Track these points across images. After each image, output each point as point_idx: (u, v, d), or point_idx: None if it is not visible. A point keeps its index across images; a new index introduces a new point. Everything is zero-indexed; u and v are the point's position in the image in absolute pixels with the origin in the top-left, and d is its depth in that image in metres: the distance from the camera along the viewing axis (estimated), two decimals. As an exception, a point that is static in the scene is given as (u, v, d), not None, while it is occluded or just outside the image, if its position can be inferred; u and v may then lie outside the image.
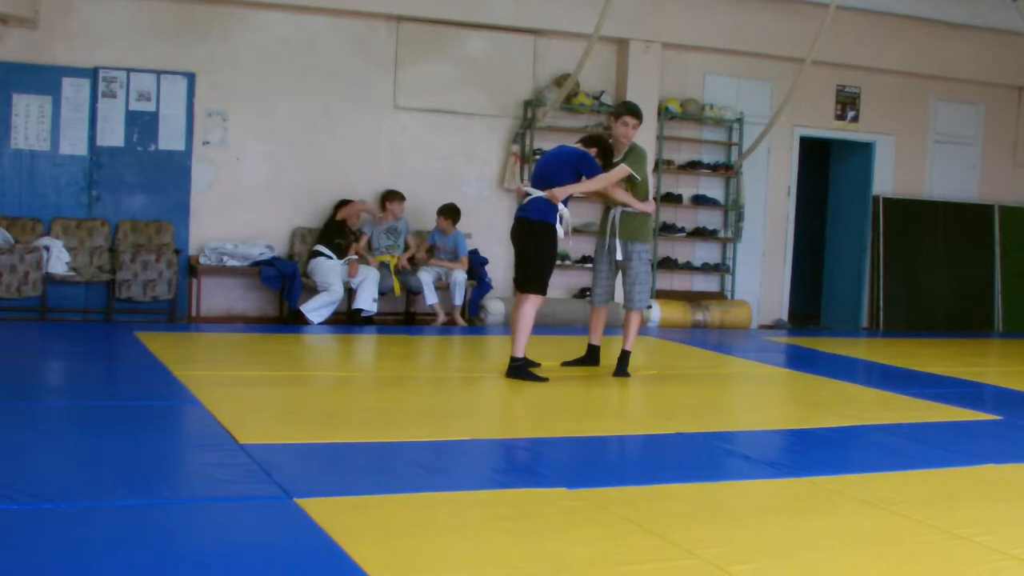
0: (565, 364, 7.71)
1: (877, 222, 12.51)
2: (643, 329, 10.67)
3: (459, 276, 10.39)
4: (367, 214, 10.40)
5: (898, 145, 12.76)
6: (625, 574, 3.30)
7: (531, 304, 7.08)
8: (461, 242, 10.51)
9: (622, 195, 7.39)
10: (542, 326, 10.17)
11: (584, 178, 7.21)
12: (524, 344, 7.09)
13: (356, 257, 10.17)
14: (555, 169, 7.17)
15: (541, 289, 7.13)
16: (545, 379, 6.99)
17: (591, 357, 7.75)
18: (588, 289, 11.28)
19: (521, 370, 7.05)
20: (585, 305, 11.02)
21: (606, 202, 7.58)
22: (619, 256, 7.51)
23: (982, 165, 13.24)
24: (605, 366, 7.69)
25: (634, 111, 7.56)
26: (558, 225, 7.06)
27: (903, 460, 5.20)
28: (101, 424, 5.17)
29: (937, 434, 5.92)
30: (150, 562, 3.20)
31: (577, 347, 8.03)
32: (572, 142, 11.13)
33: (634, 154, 7.48)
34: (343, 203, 10.19)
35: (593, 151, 7.26)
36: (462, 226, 10.66)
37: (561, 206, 7.07)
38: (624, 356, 7.53)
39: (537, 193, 7.09)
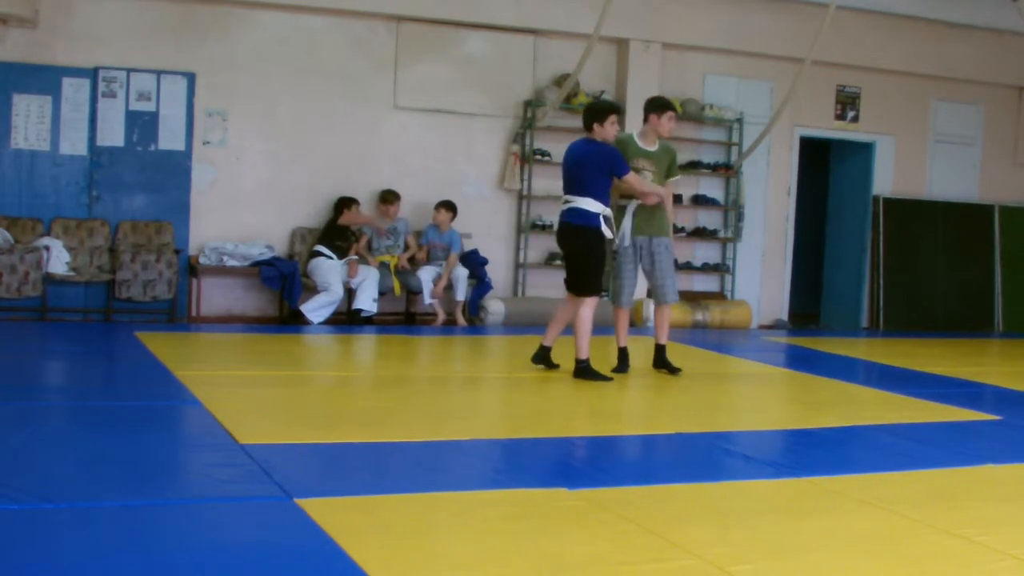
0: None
1: (877, 222, 12.51)
2: (644, 329, 10.69)
3: (461, 272, 10.40)
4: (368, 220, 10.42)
5: (898, 145, 12.76)
6: (625, 574, 3.30)
7: (587, 307, 7.17)
8: (456, 239, 10.49)
9: (640, 184, 7.30)
10: (542, 325, 10.17)
11: (616, 177, 7.17)
12: (586, 345, 7.16)
13: (356, 257, 10.17)
14: (586, 172, 7.15)
15: (594, 291, 7.23)
16: (609, 378, 7.14)
17: (624, 362, 7.66)
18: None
19: (587, 371, 7.14)
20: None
21: (621, 198, 7.51)
22: (646, 252, 7.54)
23: (982, 165, 13.24)
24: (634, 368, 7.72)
25: (674, 106, 7.79)
26: (603, 227, 7.11)
27: (903, 460, 5.20)
28: (101, 424, 5.17)
29: (937, 434, 5.92)
30: (150, 562, 3.20)
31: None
32: (573, 139, 11.29)
33: (675, 155, 7.76)
34: (344, 201, 10.16)
35: (612, 118, 7.18)
36: (462, 226, 10.67)
37: (603, 207, 7.12)
38: (664, 350, 7.71)
39: (576, 200, 7.10)
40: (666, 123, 7.54)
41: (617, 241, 7.54)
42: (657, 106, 7.60)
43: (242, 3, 10.14)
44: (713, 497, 4.35)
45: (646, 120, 7.62)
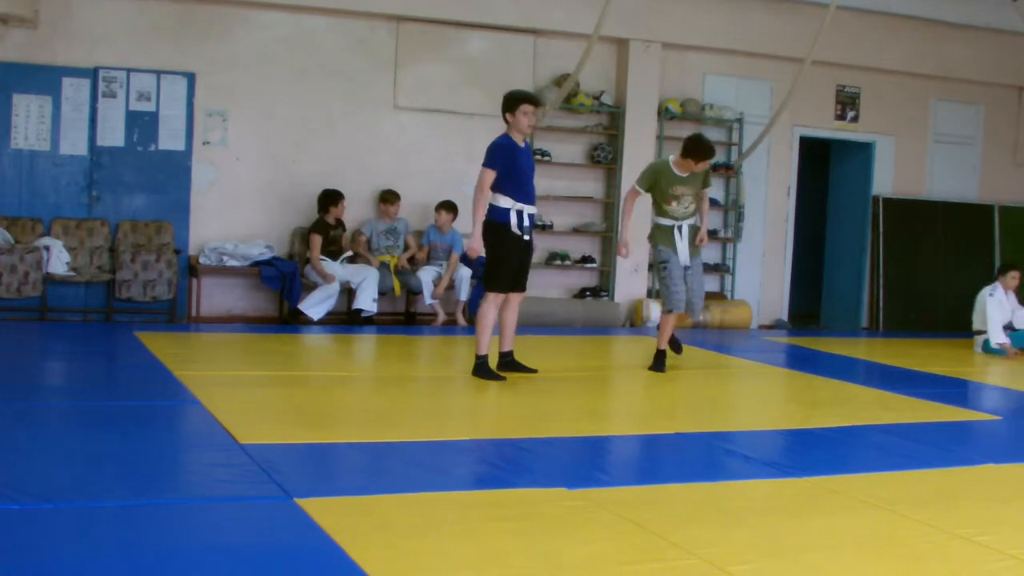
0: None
1: (877, 222, 12.50)
2: (643, 329, 10.71)
3: (464, 272, 10.40)
4: (368, 216, 10.40)
5: (898, 145, 12.76)
6: (625, 574, 3.31)
7: (488, 303, 7.08)
8: (458, 240, 10.49)
9: (479, 192, 7.03)
10: (541, 326, 10.18)
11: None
12: (485, 343, 7.05)
13: (351, 254, 10.19)
14: None
15: (496, 287, 7.06)
16: (503, 378, 6.97)
17: (660, 362, 7.84)
18: (590, 290, 11.29)
19: (483, 368, 7.04)
20: (585, 304, 11.02)
21: (662, 217, 7.79)
22: (692, 267, 7.78)
23: (982, 165, 13.23)
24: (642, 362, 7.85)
25: (715, 152, 7.99)
26: (513, 222, 6.96)
27: (903, 460, 5.20)
28: (101, 424, 5.18)
29: (937, 434, 5.92)
30: (150, 562, 3.20)
31: (580, 348, 8.01)
32: (572, 143, 11.34)
33: (709, 170, 7.97)
34: (328, 195, 10.03)
35: (524, 108, 6.97)
36: (462, 226, 10.66)
37: (515, 202, 6.96)
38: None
39: (492, 196, 7.05)
40: (702, 166, 7.73)
41: (670, 256, 7.70)
42: (701, 153, 7.63)
43: (242, 3, 10.14)
44: (713, 497, 4.35)
45: (684, 157, 7.69)
